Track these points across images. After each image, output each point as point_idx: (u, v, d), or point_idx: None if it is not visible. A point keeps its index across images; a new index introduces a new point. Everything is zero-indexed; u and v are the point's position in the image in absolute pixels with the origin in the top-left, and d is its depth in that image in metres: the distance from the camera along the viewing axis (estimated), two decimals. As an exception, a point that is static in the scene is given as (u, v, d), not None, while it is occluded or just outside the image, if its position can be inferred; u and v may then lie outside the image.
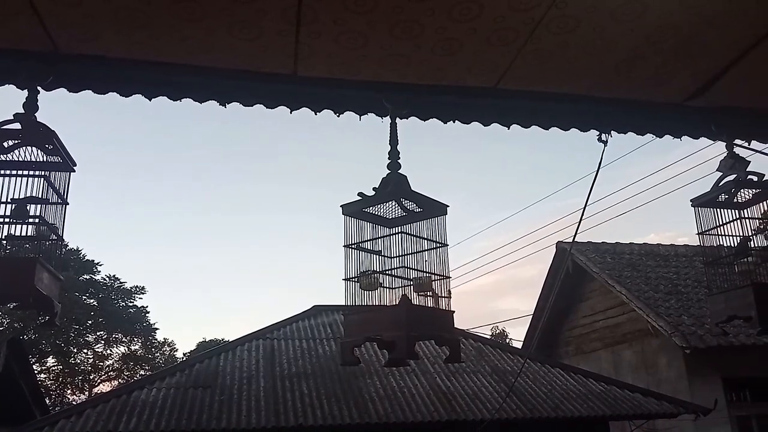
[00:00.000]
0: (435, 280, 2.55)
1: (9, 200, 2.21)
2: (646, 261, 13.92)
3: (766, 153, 3.26)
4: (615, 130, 2.95)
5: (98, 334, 28.10)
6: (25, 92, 2.31)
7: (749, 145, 3.10)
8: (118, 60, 2.36)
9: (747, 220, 3.01)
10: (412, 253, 2.59)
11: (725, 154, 3.01)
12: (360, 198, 2.56)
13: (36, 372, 20.01)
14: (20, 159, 2.27)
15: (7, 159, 2.26)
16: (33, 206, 2.23)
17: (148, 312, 29.21)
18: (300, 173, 62.41)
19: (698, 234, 3.03)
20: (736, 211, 3.03)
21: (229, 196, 59.12)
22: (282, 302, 63.80)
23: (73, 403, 23.02)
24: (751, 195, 3.01)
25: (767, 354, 11.02)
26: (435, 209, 2.59)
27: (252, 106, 2.58)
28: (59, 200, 2.27)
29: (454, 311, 2.52)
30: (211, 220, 59.69)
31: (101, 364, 28.53)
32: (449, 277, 2.57)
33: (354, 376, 9.72)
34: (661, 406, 9.66)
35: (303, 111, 2.64)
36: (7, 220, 2.21)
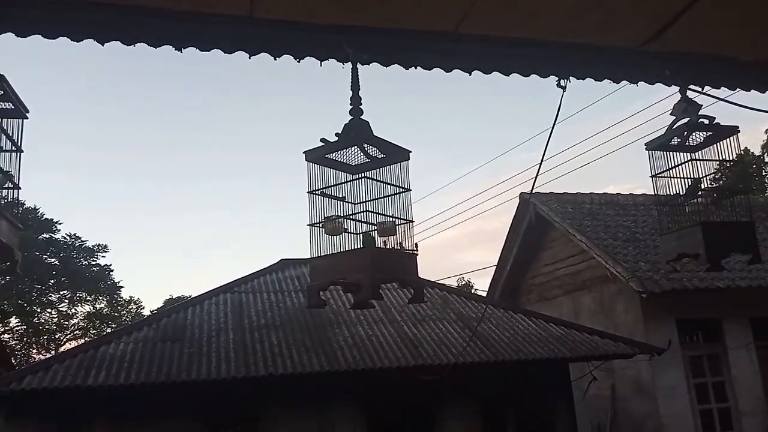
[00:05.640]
0: (399, 225, 2.60)
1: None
2: (606, 210, 14.27)
3: (718, 97, 3.36)
4: (573, 75, 2.99)
5: (62, 293, 27.69)
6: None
7: (702, 90, 3.18)
8: (68, 2, 2.28)
9: (698, 162, 3.12)
10: (375, 199, 2.63)
11: (679, 99, 3.09)
12: (323, 144, 2.57)
13: (-1, 332, 19.74)
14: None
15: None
16: (-14, 154, 2.18)
17: (112, 270, 28.83)
18: (265, 128, 61.48)
19: (651, 177, 3.14)
20: (688, 153, 3.14)
21: (193, 154, 58.08)
22: (249, 257, 63.68)
23: (40, 362, 22.82)
24: (702, 138, 3.12)
25: (718, 297, 11.57)
26: (398, 155, 2.61)
27: (209, 50, 2.52)
28: (13, 147, 2.22)
29: (417, 253, 2.57)
30: (174, 179, 58.72)
31: (66, 323, 28.24)
32: (412, 221, 2.62)
33: (322, 326, 9.87)
34: (618, 347, 10.11)
35: (262, 57, 2.60)
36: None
